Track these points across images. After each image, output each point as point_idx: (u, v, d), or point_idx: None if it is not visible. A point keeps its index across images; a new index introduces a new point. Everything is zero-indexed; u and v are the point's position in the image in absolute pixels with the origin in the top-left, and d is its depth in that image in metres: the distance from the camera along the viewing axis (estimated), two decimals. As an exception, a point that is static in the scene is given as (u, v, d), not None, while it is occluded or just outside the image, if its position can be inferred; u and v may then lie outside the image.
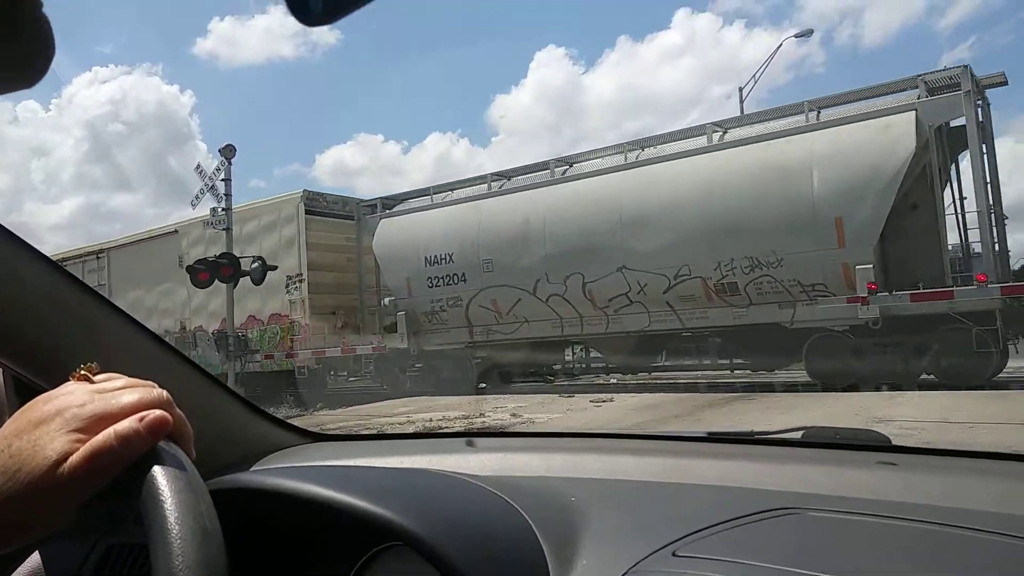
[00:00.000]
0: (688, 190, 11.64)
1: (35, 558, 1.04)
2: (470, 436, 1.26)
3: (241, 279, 12.97)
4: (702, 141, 12.26)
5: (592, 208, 12.51)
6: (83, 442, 0.57)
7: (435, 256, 14.20)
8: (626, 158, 13.07)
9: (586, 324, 12.86)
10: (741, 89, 22.16)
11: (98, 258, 19.00)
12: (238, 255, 13.21)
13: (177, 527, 0.52)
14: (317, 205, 16.07)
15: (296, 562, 0.94)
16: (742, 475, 0.97)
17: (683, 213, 11.59)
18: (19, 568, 1.03)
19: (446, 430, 7.24)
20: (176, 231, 17.58)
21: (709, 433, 1.24)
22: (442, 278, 14.14)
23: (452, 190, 15.33)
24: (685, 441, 1.27)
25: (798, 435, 1.14)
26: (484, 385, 13.51)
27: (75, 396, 0.61)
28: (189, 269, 12.93)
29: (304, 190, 16.03)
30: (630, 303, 12.26)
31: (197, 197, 13.98)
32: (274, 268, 13.27)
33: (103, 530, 1.01)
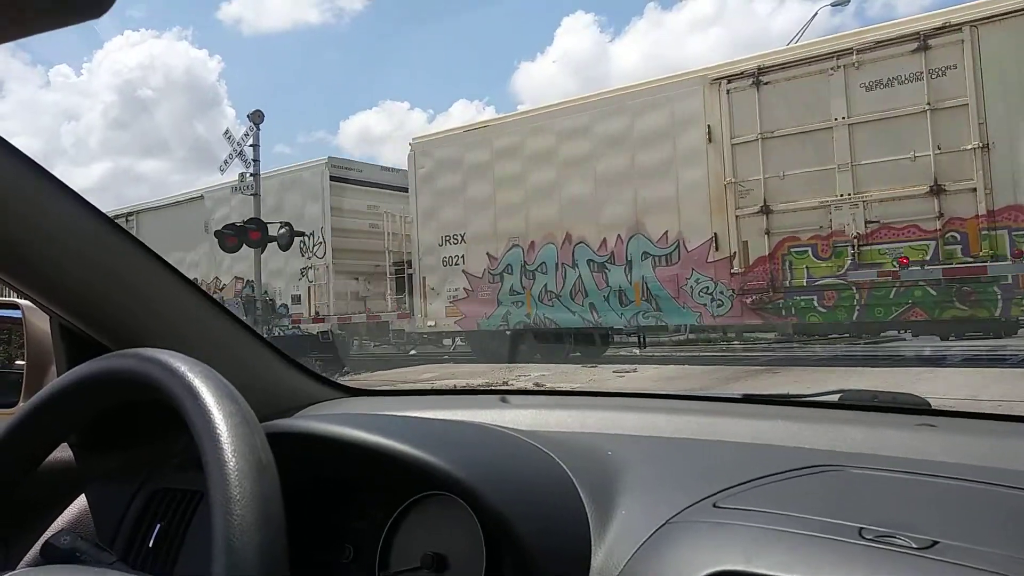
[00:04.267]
0: None
1: (81, 501, 1.06)
2: (503, 393, 1.26)
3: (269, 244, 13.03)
4: None
5: None
6: None
7: None
8: None
9: None
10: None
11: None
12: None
13: (234, 459, 0.53)
14: None
15: (334, 509, 0.95)
16: (779, 434, 0.96)
17: None
18: (67, 510, 1.06)
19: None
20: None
21: (744, 395, 1.23)
22: None
23: None
24: (720, 402, 1.26)
25: (835, 398, 1.12)
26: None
27: None
28: (217, 234, 13.02)
29: None
30: None
31: (225, 163, 14.03)
32: (301, 234, 13.28)
33: (147, 473, 1.03)
